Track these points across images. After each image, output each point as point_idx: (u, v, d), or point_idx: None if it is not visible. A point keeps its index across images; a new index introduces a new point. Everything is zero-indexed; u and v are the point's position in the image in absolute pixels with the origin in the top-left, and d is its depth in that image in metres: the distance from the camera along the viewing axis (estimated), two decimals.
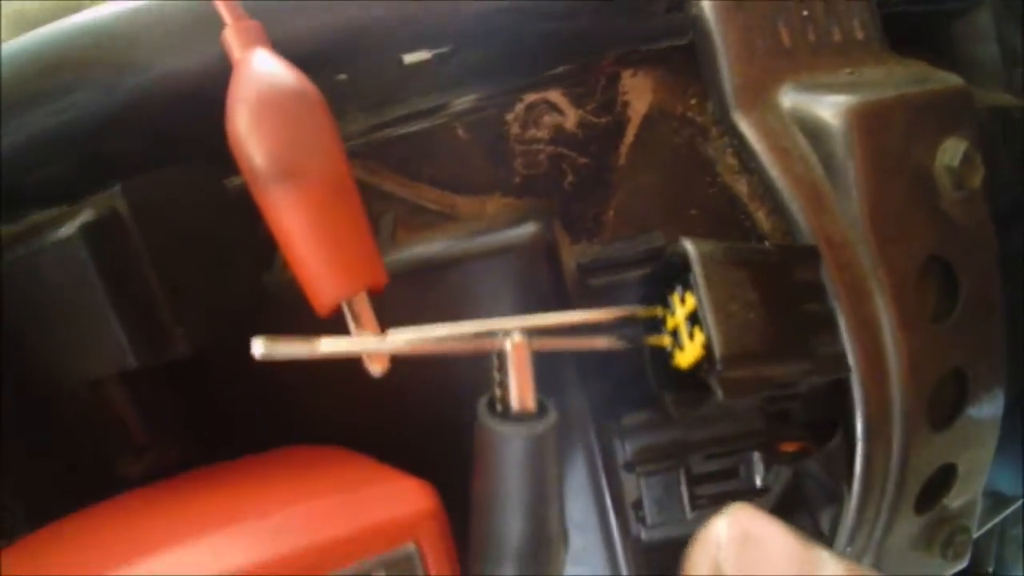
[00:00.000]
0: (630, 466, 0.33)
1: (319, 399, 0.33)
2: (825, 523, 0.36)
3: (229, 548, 0.29)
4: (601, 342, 0.30)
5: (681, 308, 0.30)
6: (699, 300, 0.29)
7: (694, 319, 0.29)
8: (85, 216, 0.29)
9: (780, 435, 0.34)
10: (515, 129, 0.34)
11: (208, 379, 0.32)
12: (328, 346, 0.28)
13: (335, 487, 0.30)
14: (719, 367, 0.28)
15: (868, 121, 0.33)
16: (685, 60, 0.34)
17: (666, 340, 0.30)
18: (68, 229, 0.29)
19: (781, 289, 0.30)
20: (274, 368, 0.30)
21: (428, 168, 0.33)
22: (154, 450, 0.32)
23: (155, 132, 0.30)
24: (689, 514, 0.34)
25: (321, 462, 0.31)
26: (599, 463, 0.34)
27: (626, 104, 0.35)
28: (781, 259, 0.31)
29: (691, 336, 0.30)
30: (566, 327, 0.30)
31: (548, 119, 0.34)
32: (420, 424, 0.32)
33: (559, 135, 0.34)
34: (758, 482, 0.34)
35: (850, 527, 0.35)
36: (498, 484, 0.29)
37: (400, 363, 0.30)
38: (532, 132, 0.34)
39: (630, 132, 0.34)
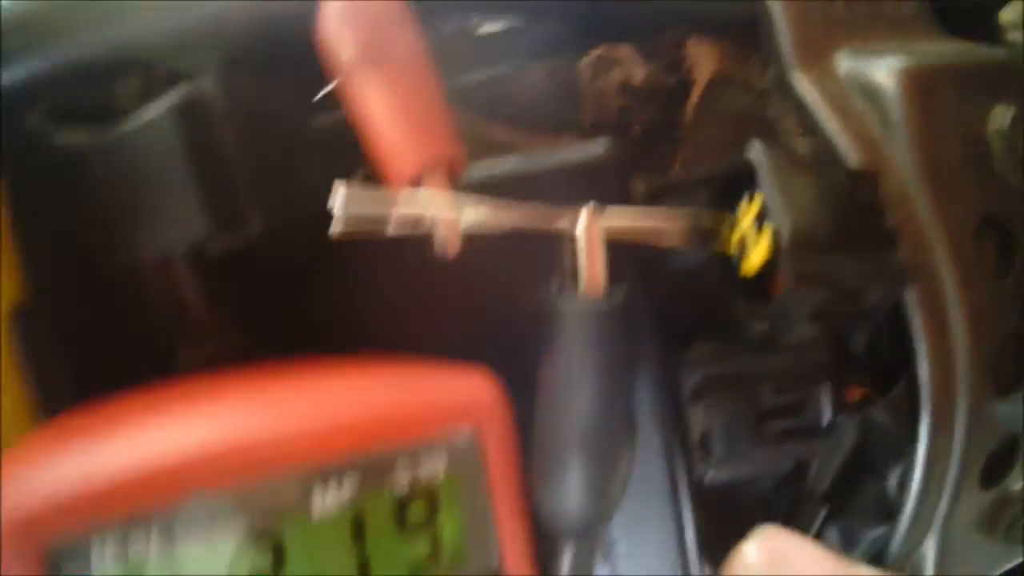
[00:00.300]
0: (697, 395, 0.33)
1: (384, 299, 0.32)
2: (893, 486, 0.35)
3: (279, 408, 0.28)
4: (672, 238, 0.30)
5: (748, 212, 0.30)
6: (766, 194, 0.29)
7: (760, 222, 0.30)
8: (175, 98, 0.30)
9: (845, 375, 0.33)
10: (586, 77, 0.35)
11: (272, 275, 0.32)
12: (406, 203, 0.28)
13: (398, 371, 0.30)
14: (787, 251, 0.28)
15: (921, 83, 0.34)
16: (746, 31, 0.36)
17: (733, 247, 0.30)
18: (158, 109, 0.30)
19: (842, 200, 0.31)
20: (339, 268, 0.30)
21: (502, 108, 0.35)
22: (215, 339, 0.31)
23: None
24: (754, 450, 0.33)
25: (382, 360, 0.31)
26: (666, 395, 0.34)
27: (691, 68, 0.36)
28: (843, 175, 0.31)
29: (757, 239, 0.30)
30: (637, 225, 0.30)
31: (617, 72, 0.36)
32: (487, 329, 0.31)
33: (627, 88, 0.35)
34: (825, 419, 0.33)
35: (916, 492, 0.34)
36: (561, 368, 0.29)
37: (470, 259, 0.30)
38: (601, 82, 0.35)
39: (695, 93, 0.36)
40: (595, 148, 0.33)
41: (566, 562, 0.32)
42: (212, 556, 0.27)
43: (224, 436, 0.27)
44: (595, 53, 0.36)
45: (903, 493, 0.35)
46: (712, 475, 0.34)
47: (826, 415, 0.34)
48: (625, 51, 0.36)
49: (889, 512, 0.35)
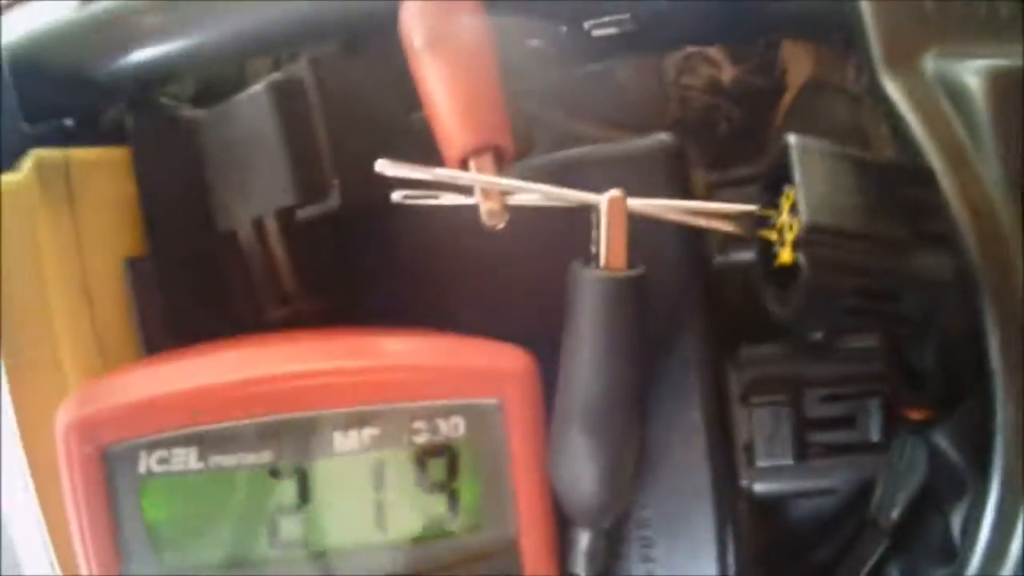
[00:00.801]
0: (744, 398, 0.33)
1: (440, 270, 0.35)
2: (956, 526, 0.33)
3: (316, 356, 0.31)
4: (715, 223, 0.30)
5: (786, 202, 0.30)
6: (796, 182, 0.29)
7: (795, 211, 0.29)
8: (273, 77, 0.34)
9: (904, 393, 0.32)
10: (672, 74, 0.36)
11: (350, 241, 0.35)
12: (444, 173, 0.30)
13: (433, 339, 0.32)
14: (803, 235, 0.28)
15: (1009, 87, 0.32)
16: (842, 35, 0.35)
17: (773, 235, 0.30)
18: (258, 87, 0.34)
19: (883, 194, 0.29)
20: (406, 239, 0.32)
21: (589, 104, 0.36)
22: (298, 299, 0.35)
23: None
24: (800, 461, 0.32)
25: (425, 331, 0.33)
26: (712, 396, 0.33)
27: (785, 71, 0.36)
28: (891, 167, 0.30)
29: (792, 228, 0.29)
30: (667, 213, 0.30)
31: (704, 70, 0.36)
32: (531, 304, 0.32)
33: (714, 87, 0.36)
34: (875, 436, 0.32)
35: (987, 536, 0.32)
36: (574, 338, 0.30)
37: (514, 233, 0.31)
38: (688, 79, 0.36)
39: (788, 96, 0.36)
40: (656, 141, 0.34)
41: (581, 548, 0.32)
42: (243, 478, 0.30)
43: (263, 371, 0.30)
44: (683, 52, 0.36)
45: (970, 535, 0.32)
46: (757, 487, 0.33)
47: (875, 431, 0.32)
48: (714, 51, 0.36)
49: (953, 553, 0.33)
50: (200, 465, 0.30)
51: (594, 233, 0.29)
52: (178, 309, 0.35)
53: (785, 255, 0.29)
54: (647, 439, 0.33)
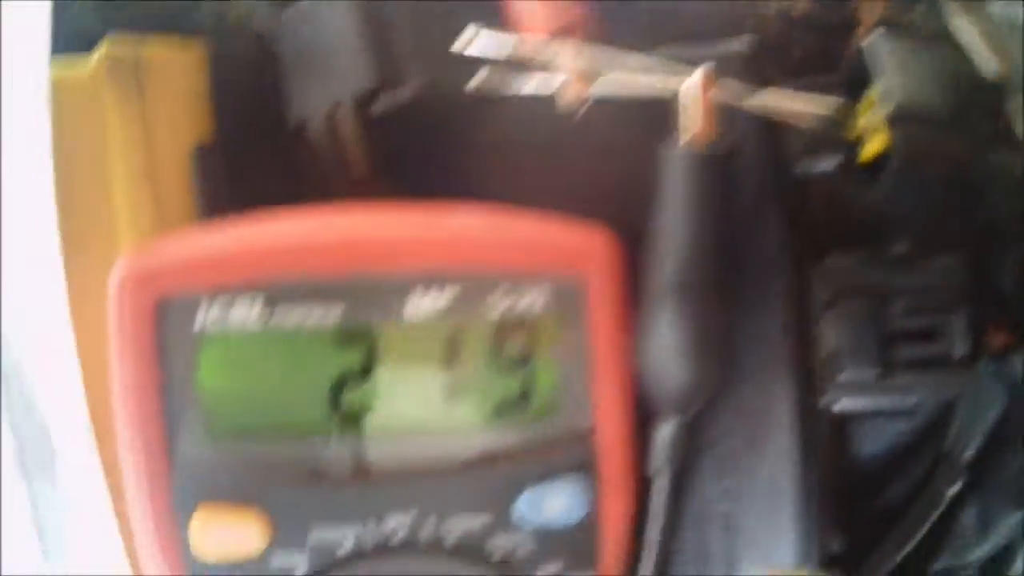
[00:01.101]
0: (827, 307, 0.32)
1: (517, 157, 0.34)
2: None
3: (391, 218, 0.31)
4: (799, 107, 0.30)
5: (868, 102, 0.30)
6: (882, 72, 0.29)
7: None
8: None
9: (988, 310, 0.31)
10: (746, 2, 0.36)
11: (423, 133, 0.34)
12: (533, 43, 0.30)
13: (515, 215, 0.31)
14: (894, 114, 0.28)
15: None
16: None
17: (856, 132, 0.30)
18: None
19: (962, 90, 0.30)
20: (479, 132, 0.33)
21: (667, 31, 0.36)
22: (369, 190, 0.34)
23: None
24: (883, 375, 0.31)
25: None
26: (796, 307, 0.32)
27: (855, 10, 0.36)
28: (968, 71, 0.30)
29: (877, 120, 0.29)
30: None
31: (775, 2, 0.36)
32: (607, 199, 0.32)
33: (784, 17, 0.36)
34: (959, 351, 0.31)
35: None
36: (667, 213, 0.29)
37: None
38: (761, 7, 0.36)
39: (861, 30, 0.36)
40: (736, 45, 0.33)
41: (663, 441, 0.31)
42: (306, 340, 0.29)
43: (331, 228, 0.30)
44: None
45: None
46: (837, 402, 0.32)
47: (960, 346, 0.31)
48: None
49: None
50: (262, 323, 0.29)
51: (681, 116, 0.29)
52: (244, 198, 0.34)
53: (873, 145, 0.29)
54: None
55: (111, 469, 0.30)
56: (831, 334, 0.32)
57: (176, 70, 0.36)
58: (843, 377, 0.32)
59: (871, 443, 0.34)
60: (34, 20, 0.32)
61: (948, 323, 0.31)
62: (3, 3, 0.32)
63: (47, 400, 0.32)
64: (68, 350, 0.31)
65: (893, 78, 0.29)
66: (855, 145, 0.30)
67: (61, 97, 0.33)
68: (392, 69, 0.33)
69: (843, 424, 0.33)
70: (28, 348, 0.32)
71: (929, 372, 0.31)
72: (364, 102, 0.34)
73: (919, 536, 0.32)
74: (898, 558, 0.32)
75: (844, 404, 0.32)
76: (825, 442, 0.33)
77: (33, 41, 0.32)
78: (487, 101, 0.33)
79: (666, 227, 0.29)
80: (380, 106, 0.34)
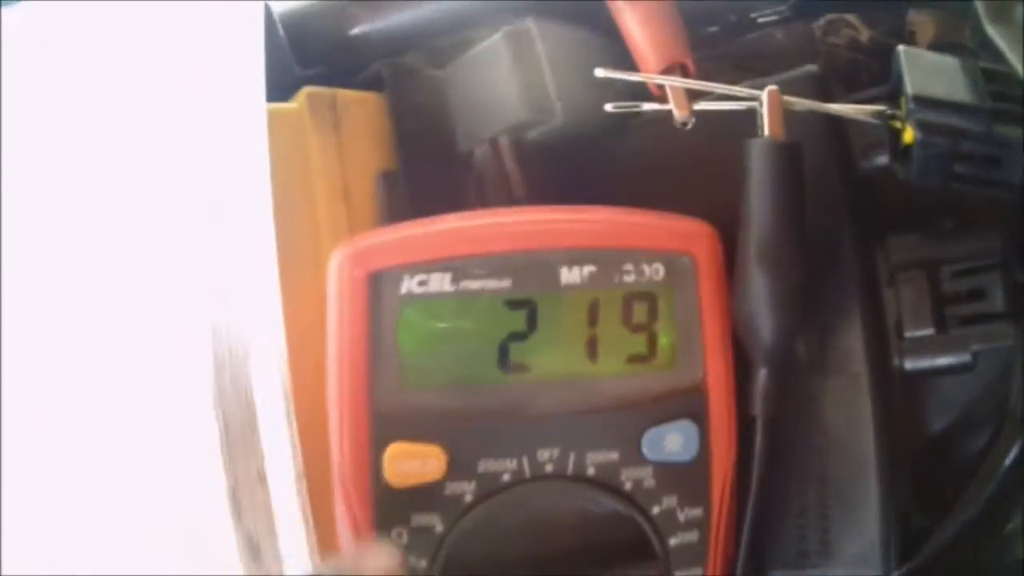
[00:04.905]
0: (891, 278, 0.36)
1: (647, 171, 0.39)
2: None
3: (547, 213, 0.36)
4: (855, 113, 0.35)
5: (904, 100, 0.33)
6: (904, 73, 0.33)
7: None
8: (506, 29, 0.40)
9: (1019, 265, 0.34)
10: (819, 34, 0.41)
11: (573, 157, 0.40)
12: (647, 77, 0.35)
13: (638, 211, 0.36)
14: (910, 104, 0.32)
15: None
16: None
17: (898, 123, 0.34)
18: (496, 35, 0.40)
19: (975, 80, 0.33)
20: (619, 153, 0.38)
21: (755, 63, 0.41)
22: (526, 202, 0.40)
23: None
24: (941, 331, 0.35)
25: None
26: (866, 282, 0.36)
27: (912, 33, 0.41)
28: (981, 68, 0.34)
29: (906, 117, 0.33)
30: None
31: (845, 32, 0.41)
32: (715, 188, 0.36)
33: (855, 45, 0.41)
34: (1001, 305, 0.34)
35: None
36: (752, 193, 0.34)
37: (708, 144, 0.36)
38: (832, 39, 0.41)
39: None
40: (805, 69, 0.38)
41: (758, 388, 0.35)
42: (484, 304, 0.34)
43: (501, 219, 0.35)
44: (827, 18, 0.42)
45: None
46: (908, 362, 0.35)
47: (1001, 301, 0.34)
48: (852, 17, 0.41)
49: None
50: (452, 288, 0.34)
51: (759, 119, 0.34)
52: (422, 214, 0.39)
53: (906, 135, 0.33)
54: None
55: (310, 451, 0.34)
56: (894, 301, 0.36)
57: (364, 109, 0.41)
58: (907, 336, 0.35)
59: (939, 404, 0.37)
60: (251, 65, 0.37)
61: (990, 283, 0.34)
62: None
63: (256, 386, 0.35)
64: (280, 341, 0.35)
65: (910, 79, 0.33)
66: (898, 140, 0.34)
67: (274, 131, 0.37)
68: (543, 103, 0.39)
69: (914, 386, 0.36)
70: (245, 340, 0.36)
71: (978, 325, 0.34)
72: (520, 131, 0.39)
73: (988, 495, 0.34)
74: (970, 516, 0.34)
75: (912, 363, 0.35)
76: (899, 402, 0.36)
77: (253, 84, 0.37)
78: (617, 126, 0.38)
79: (752, 206, 0.34)
80: (534, 134, 0.39)
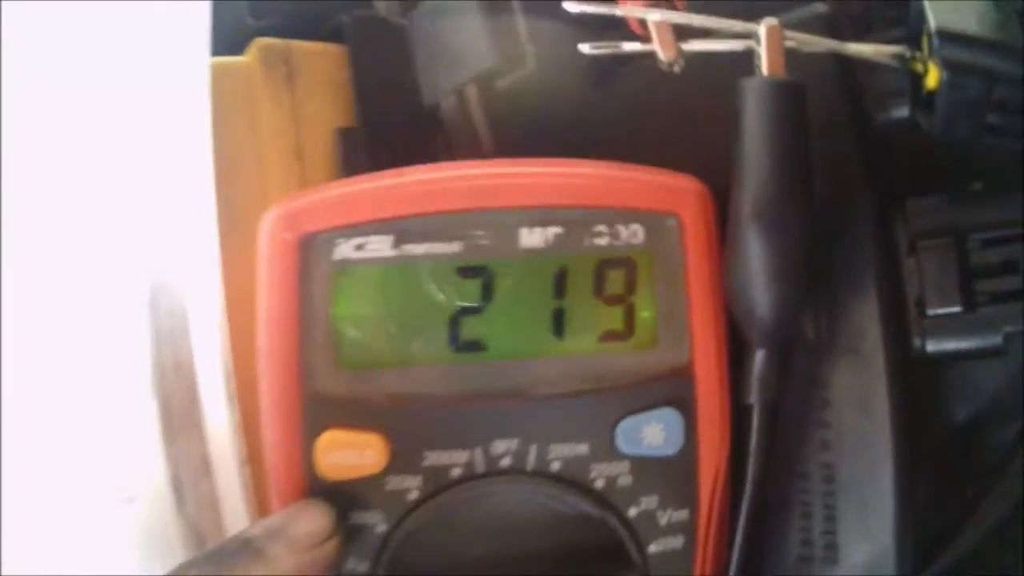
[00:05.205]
0: (911, 247, 0.31)
1: (627, 118, 0.35)
2: None
3: (504, 167, 0.31)
4: (870, 54, 0.29)
5: (925, 37, 0.29)
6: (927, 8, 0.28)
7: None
8: None
9: None
10: None
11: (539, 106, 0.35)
12: (625, 9, 0.30)
13: (616, 164, 0.31)
14: (934, 40, 0.27)
15: None
16: None
17: (919, 66, 0.29)
18: None
19: (1007, 18, 0.28)
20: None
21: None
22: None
23: None
24: (968, 309, 0.30)
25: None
26: (882, 252, 0.32)
27: None
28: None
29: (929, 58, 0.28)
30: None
31: None
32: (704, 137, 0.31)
33: None
34: None
35: None
36: (745, 140, 0.29)
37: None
38: None
39: None
40: (818, 7, 0.33)
41: (755, 371, 0.30)
42: (430, 270, 0.30)
43: (450, 173, 0.30)
44: None
45: None
46: (931, 343, 0.31)
47: None
48: None
49: None
50: (393, 253, 0.29)
51: (756, 57, 0.29)
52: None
53: (930, 79, 0.28)
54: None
55: (250, 422, 0.31)
56: (915, 273, 0.31)
57: (322, 62, 0.38)
58: (930, 314, 0.30)
59: (964, 392, 0.33)
60: (196, 18, 0.34)
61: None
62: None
63: (198, 362, 0.33)
64: (221, 311, 0.33)
65: (934, 13, 0.28)
66: (920, 86, 0.29)
67: (220, 86, 0.34)
68: (513, 49, 0.35)
69: (936, 372, 0.32)
70: (184, 310, 0.33)
71: (1011, 304, 0.30)
72: (489, 80, 0.35)
73: (1018, 496, 0.30)
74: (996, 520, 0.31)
75: (933, 345, 0.30)
76: (918, 390, 0.32)
77: (195, 36, 0.34)
78: (600, 74, 0.34)
79: (745, 156, 0.29)
80: (504, 84, 0.35)
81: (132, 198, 0.33)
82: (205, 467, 0.33)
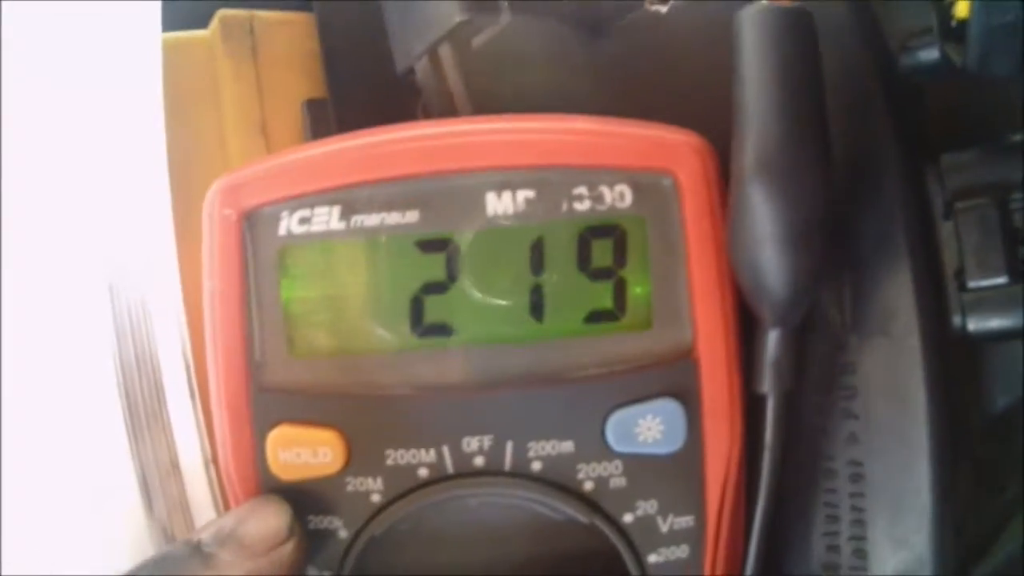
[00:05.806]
0: (948, 208, 0.27)
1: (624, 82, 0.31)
2: None
3: (466, 124, 0.28)
4: None
5: None
6: None
7: None
8: None
9: None
10: None
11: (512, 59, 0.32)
12: None
13: (600, 119, 0.27)
14: None
15: None
16: None
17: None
18: None
19: None
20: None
21: None
22: None
23: None
24: (1014, 279, 0.26)
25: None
26: (915, 216, 0.27)
27: None
28: None
29: None
30: None
31: None
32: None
33: None
34: None
35: None
36: (747, 80, 0.24)
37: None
38: None
39: None
40: None
41: (768, 356, 0.26)
42: (386, 244, 0.26)
43: (403, 135, 0.27)
44: None
45: None
46: (970, 321, 0.26)
47: None
48: None
49: None
50: (341, 226, 0.26)
51: None
52: None
53: (960, 6, 0.24)
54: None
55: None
56: (953, 240, 0.27)
57: (288, 31, 0.35)
58: (971, 287, 0.26)
59: (1008, 375, 0.28)
60: None
61: None
62: None
63: (162, 358, 0.31)
64: (179, 299, 0.31)
65: None
66: (949, 17, 0.25)
67: (181, 59, 0.33)
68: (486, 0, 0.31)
69: (977, 353, 0.28)
70: (144, 302, 0.32)
71: None
72: (463, 38, 0.31)
73: None
74: None
75: (974, 324, 0.26)
76: (960, 375, 0.28)
77: (146, 15, 0.32)
78: (587, 27, 0.31)
79: (746, 99, 0.24)
80: (480, 40, 0.31)
81: (85, 190, 0.32)
82: (173, 466, 0.32)
